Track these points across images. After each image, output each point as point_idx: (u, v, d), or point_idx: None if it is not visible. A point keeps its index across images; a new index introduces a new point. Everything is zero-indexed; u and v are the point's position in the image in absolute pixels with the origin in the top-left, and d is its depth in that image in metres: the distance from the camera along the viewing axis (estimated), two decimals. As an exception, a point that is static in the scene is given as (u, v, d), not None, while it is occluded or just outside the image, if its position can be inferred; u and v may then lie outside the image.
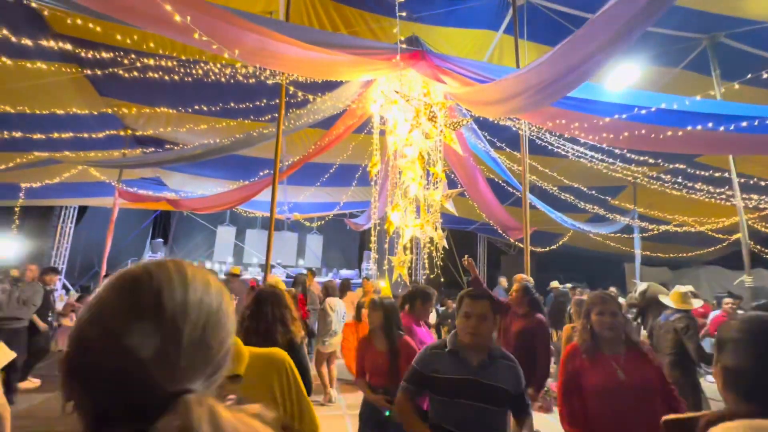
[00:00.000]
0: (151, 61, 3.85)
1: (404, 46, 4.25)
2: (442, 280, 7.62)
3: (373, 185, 4.48)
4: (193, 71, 3.95)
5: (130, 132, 6.31)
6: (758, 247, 10.73)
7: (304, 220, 9.91)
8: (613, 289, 9.16)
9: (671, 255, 11.53)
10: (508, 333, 3.02)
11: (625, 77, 5.54)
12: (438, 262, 4.07)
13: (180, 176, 8.69)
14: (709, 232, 10.11)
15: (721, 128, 3.35)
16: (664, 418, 1.01)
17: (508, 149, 6.16)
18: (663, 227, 9.63)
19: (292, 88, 4.76)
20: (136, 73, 4.03)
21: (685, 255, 11.58)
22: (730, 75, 5.99)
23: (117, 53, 3.94)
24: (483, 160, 5.70)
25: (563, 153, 6.12)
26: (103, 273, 6.76)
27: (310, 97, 4.36)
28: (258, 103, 4.24)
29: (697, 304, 3.76)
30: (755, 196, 7.13)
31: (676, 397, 1.84)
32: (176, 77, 4.00)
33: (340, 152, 5.95)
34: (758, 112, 3.73)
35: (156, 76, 4.02)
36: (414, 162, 3.95)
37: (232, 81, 4.00)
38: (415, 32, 4.92)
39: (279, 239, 18.01)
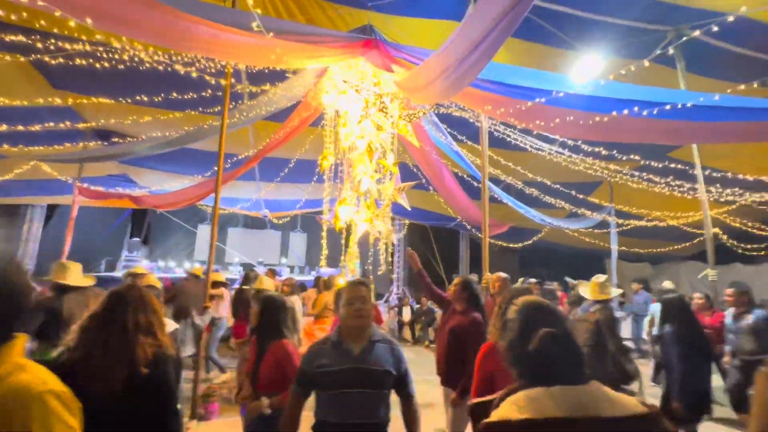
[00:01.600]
0: (96, 49, 3.65)
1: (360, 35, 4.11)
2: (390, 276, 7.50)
3: (326, 179, 4.32)
4: (136, 59, 3.75)
5: (87, 125, 6.06)
6: (732, 241, 10.81)
7: (279, 219, 9.71)
8: (554, 284, 9.13)
9: (648, 250, 11.56)
10: (443, 329, 2.88)
11: (590, 69, 5.46)
12: (388, 258, 3.93)
13: (148, 172, 8.45)
14: (684, 228, 10.15)
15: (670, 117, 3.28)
16: (470, 402, 1.11)
17: (501, 146, 5.95)
18: (634, 222, 9.63)
19: (241, 86, 4.59)
20: (82, 61, 3.80)
21: (661, 250, 11.62)
22: (696, 68, 5.96)
23: (65, 42, 3.72)
24: (447, 154, 5.57)
25: (535, 149, 6.03)
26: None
27: (257, 88, 4.19)
28: (204, 93, 4.05)
29: (615, 293, 3.79)
30: (714, 189, 7.11)
31: None
32: (120, 66, 3.79)
33: (298, 146, 5.78)
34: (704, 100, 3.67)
35: (105, 65, 3.80)
36: (364, 154, 3.80)
37: (191, 72, 3.80)
38: (374, 21, 4.78)
39: (261, 238, 17.79)
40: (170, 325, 2.36)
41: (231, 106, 4.58)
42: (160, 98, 4.16)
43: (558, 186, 7.51)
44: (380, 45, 4.14)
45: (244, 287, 4.57)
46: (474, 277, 3.27)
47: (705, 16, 5.42)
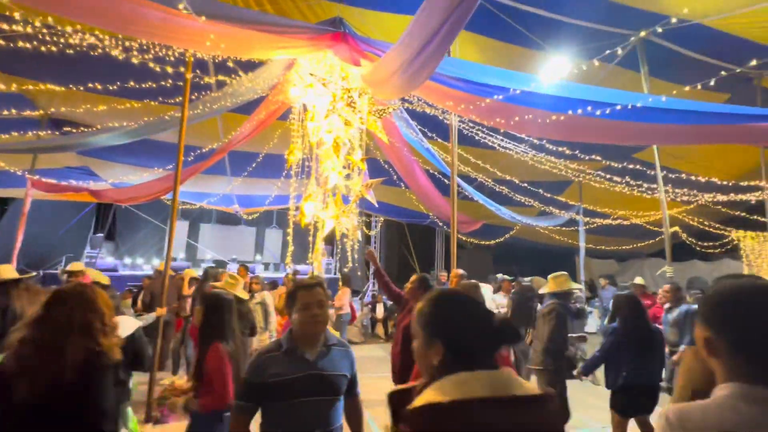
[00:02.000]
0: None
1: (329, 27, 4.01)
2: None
3: (292, 175, 4.22)
4: (94, 44, 3.53)
5: (40, 113, 5.70)
6: (692, 239, 11.37)
7: (250, 215, 9.48)
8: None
9: (614, 248, 12.00)
10: (398, 328, 2.86)
11: (557, 70, 5.56)
12: (354, 255, 3.88)
13: (111, 165, 8.06)
14: (647, 226, 10.59)
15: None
16: (389, 390, 1.09)
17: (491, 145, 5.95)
18: (599, 220, 9.96)
19: (208, 77, 4.41)
20: (26, 44, 3.54)
21: (626, 248, 12.07)
22: (659, 72, 6.19)
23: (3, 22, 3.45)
24: (418, 151, 5.56)
25: (503, 148, 6.11)
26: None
27: (228, 79, 4.03)
28: (164, 83, 3.87)
29: (573, 287, 3.98)
30: (671, 189, 7.45)
31: None
32: (68, 50, 3.55)
33: (268, 140, 5.64)
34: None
35: (52, 49, 3.55)
36: (333, 149, 3.73)
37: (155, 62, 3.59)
38: (346, 15, 4.69)
39: (235, 234, 17.36)
40: (129, 325, 2.22)
41: (194, 97, 4.41)
42: (115, 86, 3.94)
43: (525, 185, 7.66)
44: (349, 39, 4.07)
45: (204, 285, 4.43)
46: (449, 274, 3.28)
47: (660, 20, 5.64)
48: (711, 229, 10.22)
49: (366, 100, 3.98)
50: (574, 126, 3.42)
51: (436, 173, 6.24)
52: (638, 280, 6.60)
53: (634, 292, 4.19)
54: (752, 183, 6.94)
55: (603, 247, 12.04)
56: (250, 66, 4.40)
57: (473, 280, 1.97)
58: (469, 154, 6.10)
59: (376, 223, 13.01)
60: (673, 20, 4.99)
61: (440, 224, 7.83)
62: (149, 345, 2.49)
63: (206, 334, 2.16)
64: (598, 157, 6.39)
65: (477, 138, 5.44)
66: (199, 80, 3.99)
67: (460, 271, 3.67)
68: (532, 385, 0.97)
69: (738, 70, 6.39)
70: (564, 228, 10.92)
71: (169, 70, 3.61)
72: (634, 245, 12.30)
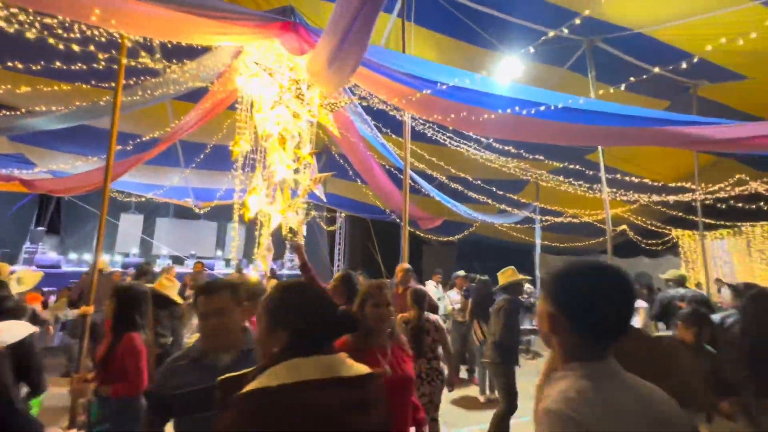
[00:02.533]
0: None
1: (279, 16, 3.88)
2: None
3: (237, 167, 4.06)
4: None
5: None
6: (637, 237, 12.10)
7: (202, 209, 9.10)
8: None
9: (567, 244, 12.56)
10: None
11: (509, 71, 5.70)
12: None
13: (48, 153, 7.46)
14: (597, 224, 11.18)
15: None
16: (219, 378, 1.11)
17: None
18: (552, 218, 10.41)
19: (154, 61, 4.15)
20: None
21: (579, 244, 12.65)
22: (606, 78, 6.50)
23: None
24: (374, 146, 5.54)
25: (454, 146, 6.20)
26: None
27: (178, 65, 3.80)
28: (96, 65, 3.58)
29: (520, 277, 4.27)
30: (614, 189, 7.89)
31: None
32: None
33: (217, 130, 5.41)
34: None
35: None
36: (279, 142, 3.62)
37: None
38: (299, 4, 4.56)
39: (194, 229, 16.65)
40: (16, 332, 2.02)
41: (133, 82, 4.14)
42: (39, 66, 3.60)
43: (479, 182, 7.84)
44: (300, 29, 3.96)
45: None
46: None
47: (611, 29, 5.91)
48: (654, 228, 10.91)
49: (317, 92, 3.90)
50: (519, 125, 3.52)
51: (392, 169, 6.25)
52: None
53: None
54: (686, 185, 7.45)
55: (557, 245, 12.57)
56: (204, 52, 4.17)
57: (382, 280, 1.95)
58: (423, 151, 6.15)
59: (337, 218, 12.89)
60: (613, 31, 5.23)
61: (397, 220, 7.86)
62: (41, 356, 2.32)
63: (118, 325, 2.12)
64: (541, 156, 6.63)
65: (429, 135, 5.48)
66: (137, 65, 3.74)
67: (406, 266, 3.69)
68: (362, 367, 1.04)
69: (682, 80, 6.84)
70: (521, 225, 11.30)
71: (100, 55, 3.35)
72: (587, 242, 12.91)
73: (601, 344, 0.85)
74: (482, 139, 5.65)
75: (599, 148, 6.05)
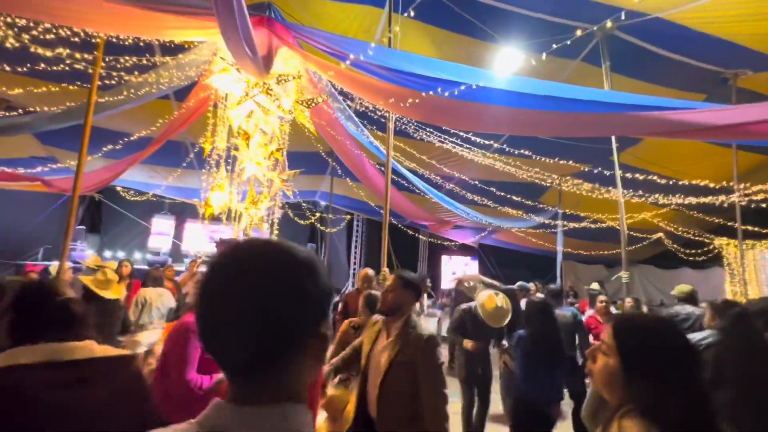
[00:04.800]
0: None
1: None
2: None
3: (213, 164, 4.04)
4: None
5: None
6: (675, 246, 11.02)
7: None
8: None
9: (594, 252, 11.67)
10: None
11: (510, 64, 5.34)
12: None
13: (72, 155, 7.97)
14: (629, 232, 10.30)
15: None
16: None
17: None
18: (572, 224, 9.68)
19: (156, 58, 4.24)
20: None
21: (606, 252, 11.70)
22: (621, 68, 5.93)
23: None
24: (364, 144, 5.36)
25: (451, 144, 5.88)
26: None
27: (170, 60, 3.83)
28: (78, 66, 3.70)
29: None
30: (640, 192, 7.15)
31: None
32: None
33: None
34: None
35: None
36: (241, 137, 3.56)
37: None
38: (284, 5, 4.51)
39: (220, 230, 17.25)
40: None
41: (115, 83, 4.26)
42: (25, 68, 3.79)
43: (493, 189, 7.41)
44: (275, 24, 3.90)
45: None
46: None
47: (630, 16, 5.38)
48: (692, 237, 9.88)
49: (291, 87, 3.81)
50: (483, 115, 3.22)
51: (382, 167, 6.03)
52: (594, 285, 6.35)
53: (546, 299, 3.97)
54: (725, 184, 6.62)
55: (580, 252, 11.72)
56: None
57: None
58: (432, 155, 5.84)
59: (344, 220, 12.82)
60: (623, 16, 4.72)
61: (406, 223, 7.61)
62: None
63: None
64: (528, 151, 6.13)
65: (412, 132, 5.22)
66: (112, 63, 3.82)
67: (370, 272, 3.49)
68: (104, 351, 1.12)
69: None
70: (542, 231, 10.63)
71: (77, 54, 3.46)
72: (617, 251, 11.94)
73: None
74: (493, 144, 5.31)
75: (614, 142, 5.48)
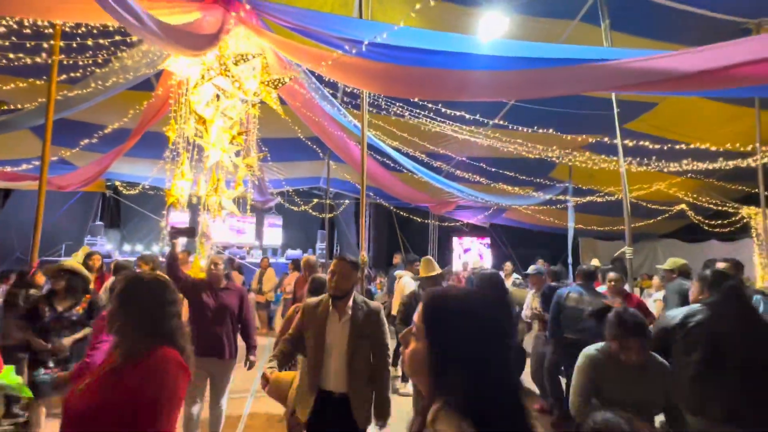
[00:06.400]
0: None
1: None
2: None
3: (183, 153, 3.94)
4: None
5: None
6: (699, 218, 10.33)
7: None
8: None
9: (610, 228, 11.10)
10: None
11: (497, 28, 4.97)
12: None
13: (82, 154, 8.14)
14: (646, 204, 9.70)
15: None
16: None
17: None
18: (582, 199, 9.17)
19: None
20: None
21: (622, 227, 11.08)
22: (623, 26, 5.41)
23: None
24: (344, 126, 5.14)
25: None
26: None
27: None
28: (39, 59, 3.64)
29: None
30: (658, 162, 6.63)
31: None
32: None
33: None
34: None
35: None
36: (197, 122, 3.44)
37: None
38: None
39: (236, 222, 17.58)
40: None
41: (89, 73, 4.21)
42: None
43: (494, 169, 7.06)
44: (235, 3, 3.72)
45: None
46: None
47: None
48: (717, 207, 9.20)
49: (251, 68, 3.64)
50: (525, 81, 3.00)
51: (375, 155, 5.82)
52: (594, 261, 5.98)
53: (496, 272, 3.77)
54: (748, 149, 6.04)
55: (600, 228, 11.18)
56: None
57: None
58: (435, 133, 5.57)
59: (339, 205, 12.72)
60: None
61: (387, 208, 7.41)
62: None
63: None
64: (504, 122, 5.74)
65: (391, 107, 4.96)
66: (70, 50, 3.74)
67: (312, 258, 3.47)
68: None
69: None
70: (552, 208, 10.18)
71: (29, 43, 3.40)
72: (636, 224, 11.30)
73: None
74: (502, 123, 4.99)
75: (615, 107, 5.02)
